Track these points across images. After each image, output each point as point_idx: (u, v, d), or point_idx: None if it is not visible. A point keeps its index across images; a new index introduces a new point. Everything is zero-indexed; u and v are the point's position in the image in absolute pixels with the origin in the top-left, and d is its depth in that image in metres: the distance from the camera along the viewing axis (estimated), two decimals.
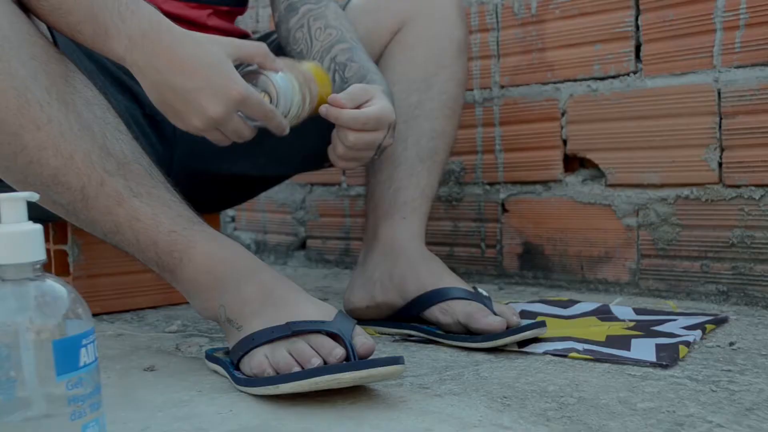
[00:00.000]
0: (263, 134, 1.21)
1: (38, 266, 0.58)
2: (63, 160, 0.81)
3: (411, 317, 1.03)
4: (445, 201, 1.51)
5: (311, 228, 1.78)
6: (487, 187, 1.46)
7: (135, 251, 0.86)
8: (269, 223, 1.84)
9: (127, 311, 1.29)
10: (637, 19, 1.27)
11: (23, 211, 0.59)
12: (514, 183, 1.43)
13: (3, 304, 0.57)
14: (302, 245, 1.81)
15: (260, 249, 1.88)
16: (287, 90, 0.87)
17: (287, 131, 0.88)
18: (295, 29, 1.09)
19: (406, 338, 1.03)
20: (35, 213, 1.14)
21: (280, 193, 1.81)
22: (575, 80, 1.34)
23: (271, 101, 0.87)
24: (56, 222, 1.23)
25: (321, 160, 1.38)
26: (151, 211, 0.84)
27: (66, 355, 0.57)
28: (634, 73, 1.28)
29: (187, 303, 1.32)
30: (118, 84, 1.08)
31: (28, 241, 0.58)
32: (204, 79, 0.80)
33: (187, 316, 1.24)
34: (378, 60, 1.19)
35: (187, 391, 0.82)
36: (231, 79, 0.81)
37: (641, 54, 1.27)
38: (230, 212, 1.96)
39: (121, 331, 1.14)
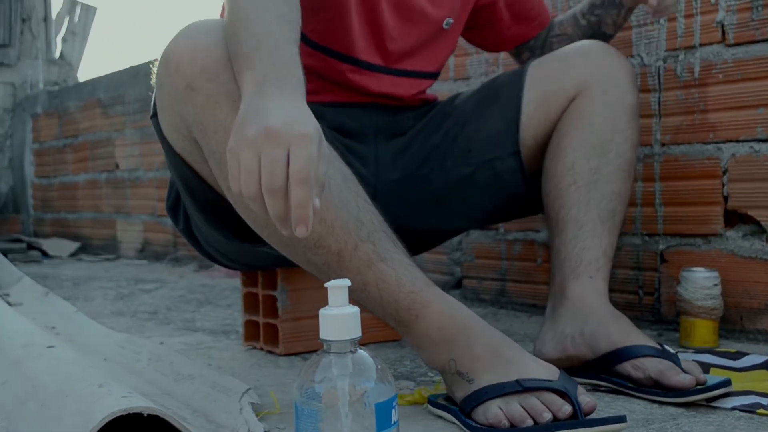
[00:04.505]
0: (451, 191, 1.35)
1: (355, 341, 0.72)
2: (326, 227, 0.95)
3: (600, 369, 1.13)
4: None
5: (467, 269, 1.90)
6: (646, 237, 1.56)
7: (376, 307, 1.00)
8: (426, 262, 1.97)
9: None
10: None
11: (345, 296, 0.72)
12: (673, 235, 1.52)
13: (329, 372, 0.71)
14: (458, 284, 1.93)
15: None
16: None
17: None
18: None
19: (596, 387, 1.13)
20: (251, 261, 1.30)
21: None
22: (737, 141, 1.42)
23: None
24: (265, 271, 1.39)
25: (502, 218, 1.50)
26: (394, 273, 0.97)
27: (384, 414, 0.70)
28: None
29: (376, 343, 1.47)
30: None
31: (349, 322, 0.71)
32: (287, 112, 0.81)
33: (380, 356, 1.37)
34: (555, 124, 1.30)
35: None
36: (309, 121, 0.81)
37: None
38: None
39: None
